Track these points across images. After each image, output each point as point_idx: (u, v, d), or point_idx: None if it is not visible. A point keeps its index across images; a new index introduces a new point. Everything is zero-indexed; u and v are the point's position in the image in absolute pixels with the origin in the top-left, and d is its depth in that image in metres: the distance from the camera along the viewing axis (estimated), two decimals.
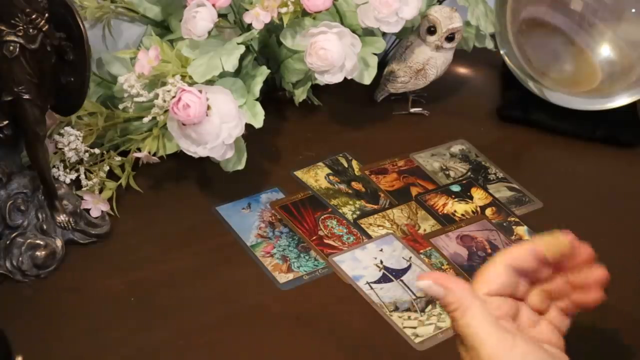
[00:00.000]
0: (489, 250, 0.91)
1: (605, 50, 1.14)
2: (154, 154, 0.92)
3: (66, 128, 0.88)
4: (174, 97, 0.83)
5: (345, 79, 0.95)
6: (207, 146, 0.85)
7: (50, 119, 0.88)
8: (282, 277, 0.85)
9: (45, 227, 0.84)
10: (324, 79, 0.95)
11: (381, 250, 0.90)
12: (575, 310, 0.64)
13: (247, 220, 0.92)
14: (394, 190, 0.99)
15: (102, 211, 0.89)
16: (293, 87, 1.05)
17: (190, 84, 0.86)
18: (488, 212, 0.97)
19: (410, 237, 0.92)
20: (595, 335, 0.80)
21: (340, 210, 0.95)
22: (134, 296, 0.82)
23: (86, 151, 0.89)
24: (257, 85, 0.92)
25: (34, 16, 0.73)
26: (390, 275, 0.87)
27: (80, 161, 0.90)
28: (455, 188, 1.00)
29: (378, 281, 0.86)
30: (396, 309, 0.83)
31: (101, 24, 0.99)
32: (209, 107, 0.84)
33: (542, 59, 1.15)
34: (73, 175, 0.89)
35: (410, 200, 0.98)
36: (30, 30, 0.74)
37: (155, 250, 0.87)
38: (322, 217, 0.93)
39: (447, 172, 1.03)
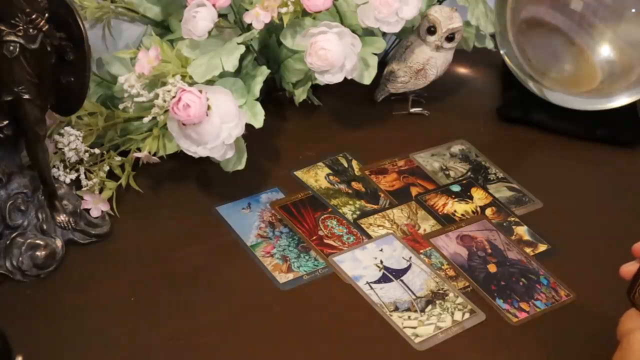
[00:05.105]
0: (489, 250, 0.91)
1: (605, 50, 1.14)
2: (154, 154, 0.92)
3: (66, 128, 0.88)
4: (174, 97, 0.83)
5: (345, 79, 0.95)
6: (207, 146, 0.85)
7: (50, 119, 0.88)
8: (282, 277, 0.85)
9: (45, 227, 0.84)
10: (324, 79, 0.95)
11: (381, 250, 0.90)
12: None
13: (247, 220, 0.92)
14: (394, 190, 0.99)
15: (102, 211, 0.89)
16: (293, 87, 1.05)
17: (190, 84, 0.86)
18: (488, 212, 0.97)
19: (410, 237, 0.92)
20: (595, 335, 0.80)
21: (340, 210, 0.95)
22: (134, 296, 0.82)
23: (86, 151, 0.89)
24: (257, 85, 0.92)
25: (34, 16, 0.73)
26: (390, 275, 0.87)
27: (80, 161, 0.90)
28: (455, 188, 1.00)
29: (378, 281, 0.86)
30: (396, 309, 0.83)
31: (101, 24, 0.99)
32: (209, 107, 0.83)
33: (542, 59, 1.14)
34: (73, 175, 0.89)
35: (410, 200, 0.98)
36: (30, 30, 0.74)
37: (156, 250, 0.87)
38: (322, 217, 0.93)
39: (447, 172, 1.03)
